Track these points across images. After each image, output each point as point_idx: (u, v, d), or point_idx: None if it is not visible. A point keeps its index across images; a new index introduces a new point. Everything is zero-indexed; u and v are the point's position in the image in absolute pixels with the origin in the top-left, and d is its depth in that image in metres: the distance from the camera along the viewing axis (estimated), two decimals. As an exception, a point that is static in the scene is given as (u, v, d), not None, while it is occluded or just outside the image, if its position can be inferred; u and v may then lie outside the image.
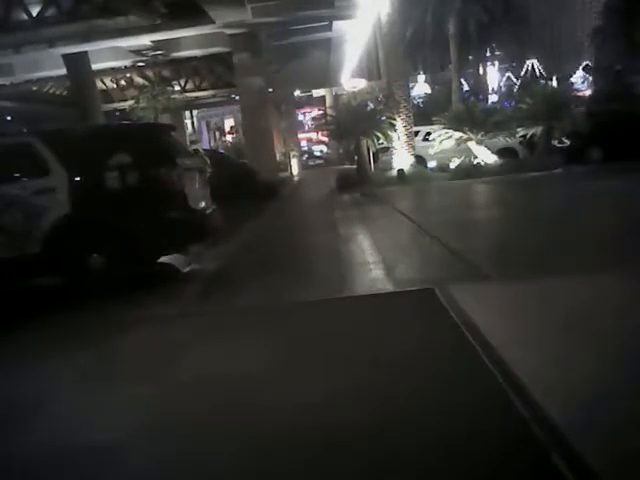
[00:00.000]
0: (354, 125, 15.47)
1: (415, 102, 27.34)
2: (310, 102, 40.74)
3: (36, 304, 5.62)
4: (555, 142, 14.94)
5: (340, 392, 2.68)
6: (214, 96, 29.07)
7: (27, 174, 5.52)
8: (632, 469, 1.85)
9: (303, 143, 39.83)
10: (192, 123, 38.01)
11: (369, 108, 16.77)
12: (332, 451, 2.19)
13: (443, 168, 16.03)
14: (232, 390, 2.89)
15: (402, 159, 15.80)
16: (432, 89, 35.61)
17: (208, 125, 46.20)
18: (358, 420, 2.40)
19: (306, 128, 44.41)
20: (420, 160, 16.44)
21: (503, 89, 43.72)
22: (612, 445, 1.97)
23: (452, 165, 15.74)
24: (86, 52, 16.62)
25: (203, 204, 6.27)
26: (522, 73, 43.33)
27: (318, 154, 40.28)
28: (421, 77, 39.10)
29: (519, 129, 15.26)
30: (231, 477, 2.17)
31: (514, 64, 44.36)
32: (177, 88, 26.16)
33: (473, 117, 15.43)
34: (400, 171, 15.20)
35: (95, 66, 17.86)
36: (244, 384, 2.94)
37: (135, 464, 2.32)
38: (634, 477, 1.84)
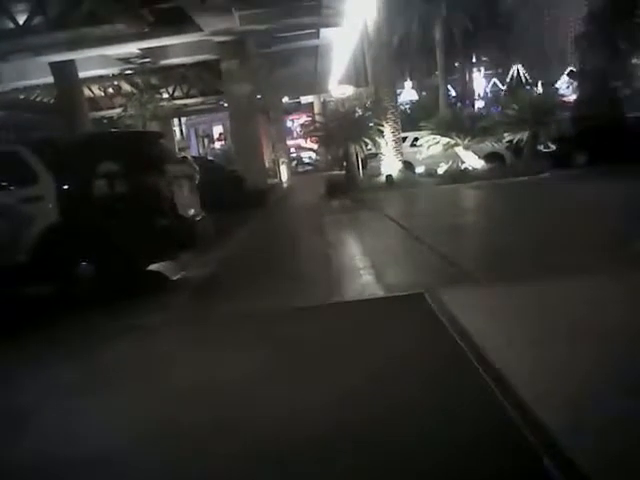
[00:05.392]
0: (342, 131, 15.53)
1: (403, 108, 27.52)
2: (298, 109, 40.88)
3: (23, 313, 5.57)
4: (541, 147, 15.15)
5: (339, 388, 2.71)
6: (202, 103, 29.00)
7: (15, 182, 5.50)
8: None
9: (292, 150, 39.88)
10: (181, 130, 37.95)
11: (357, 114, 16.85)
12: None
13: (431, 173, 16.15)
14: (227, 396, 2.90)
15: (390, 165, 15.88)
16: (419, 95, 35.88)
17: (197, 132, 46.16)
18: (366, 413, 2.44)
19: (295, 135, 44.50)
20: (408, 166, 16.53)
21: (489, 95, 44.17)
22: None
23: (440, 170, 15.87)
24: (73, 60, 16.55)
25: (192, 211, 6.28)
26: (508, 79, 43.81)
27: (307, 160, 40.33)
28: (408, 83, 39.43)
29: (506, 134, 15.42)
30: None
31: (500, 70, 44.89)
32: (165, 95, 26.07)
33: (460, 123, 15.59)
34: (388, 177, 15.29)
35: (82, 74, 17.76)
36: (241, 389, 2.96)
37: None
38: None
